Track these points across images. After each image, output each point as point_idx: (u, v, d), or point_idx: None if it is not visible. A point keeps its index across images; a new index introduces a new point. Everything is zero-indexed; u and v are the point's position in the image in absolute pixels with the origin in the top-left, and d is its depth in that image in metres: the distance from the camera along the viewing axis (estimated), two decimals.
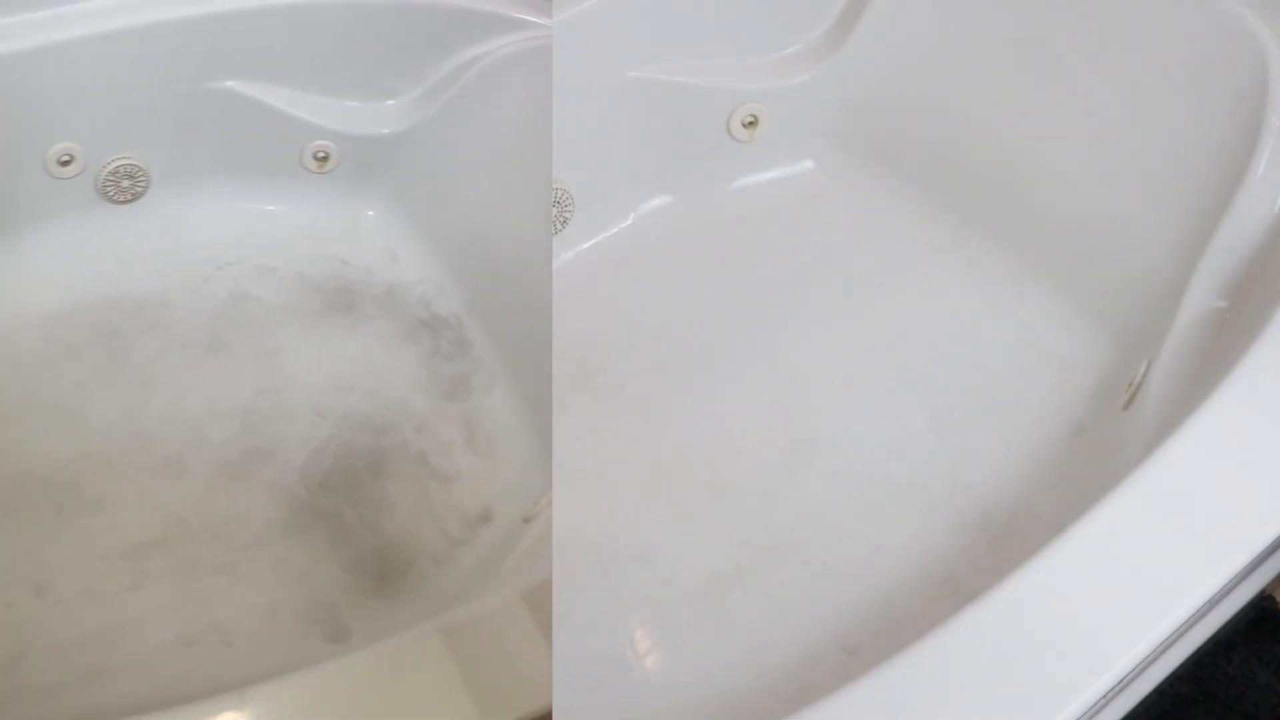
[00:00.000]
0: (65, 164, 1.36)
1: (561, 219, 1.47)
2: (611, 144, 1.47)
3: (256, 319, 1.40)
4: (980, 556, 1.16)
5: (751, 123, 1.51)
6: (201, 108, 1.39)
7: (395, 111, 1.44)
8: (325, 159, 1.45)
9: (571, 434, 1.32)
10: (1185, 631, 0.78)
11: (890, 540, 1.19)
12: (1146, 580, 0.77)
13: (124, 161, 1.40)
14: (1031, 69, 1.37)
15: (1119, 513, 0.80)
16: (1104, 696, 0.73)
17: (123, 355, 1.34)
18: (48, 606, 1.12)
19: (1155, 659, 0.79)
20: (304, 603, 1.16)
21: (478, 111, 1.37)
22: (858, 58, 1.48)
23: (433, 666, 0.79)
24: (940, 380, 1.33)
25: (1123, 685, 0.75)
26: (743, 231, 1.52)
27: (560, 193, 1.45)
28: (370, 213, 1.49)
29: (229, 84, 1.37)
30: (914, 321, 1.39)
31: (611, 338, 1.41)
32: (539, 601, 0.84)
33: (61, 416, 1.27)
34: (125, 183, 1.42)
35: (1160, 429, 0.99)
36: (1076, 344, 1.33)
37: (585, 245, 1.50)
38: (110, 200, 1.42)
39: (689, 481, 1.26)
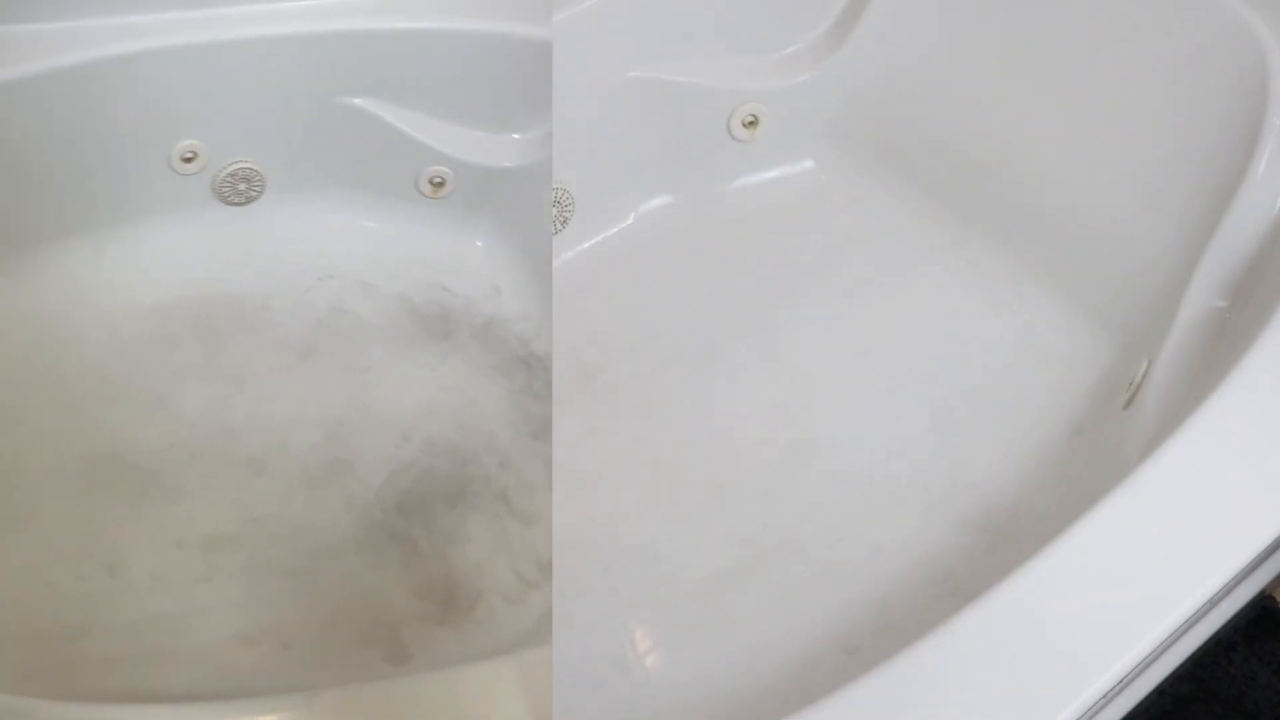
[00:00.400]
0: (188, 161, 1.38)
1: (561, 219, 1.47)
2: (611, 144, 1.47)
3: (352, 333, 1.40)
4: (980, 556, 1.17)
5: (752, 122, 1.51)
6: (327, 121, 1.40)
7: (518, 146, 1.45)
8: (441, 185, 1.45)
9: (571, 434, 1.32)
10: (1185, 631, 0.78)
11: (890, 540, 1.19)
12: (1146, 580, 0.77)
13: (243, 165, 1.42)
14: (1032, 69, 1.37)
15: (1119, 513, 0.80)
16: (1104, 696, 0.73)
17: (218, 351, 1.36)
18: (118, 586, 1.14)
19: (1155, 659, 0.79)
20: (367, 620, 1.16)
21: None
22: (858, 57, 1.48)
23: (504, 702, 0.78)
24: (940, 380, 1.33)
25: (1123, 685, 0.75)
26: (743, 231, 1.52)
27: (560, 193, 1.45)
28: (479, 243, 1.49)
29: (357, 101, 1.39)
30: (914, 321, 1.39)
31: (611, 338, 1.41)
32: None
33: (154, 404, 1.30)
34: (241, 185, 1.43)
35: (1160, 429, 0.99)
36: (1076, 344, 1.33)
37: (585, 245, 1.50)
38: (225, 201, 1.44)
39: (689, 481, 1.26)
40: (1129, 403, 1.18)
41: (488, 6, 1.37)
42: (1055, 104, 1.36)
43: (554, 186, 1.44)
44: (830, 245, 1.50)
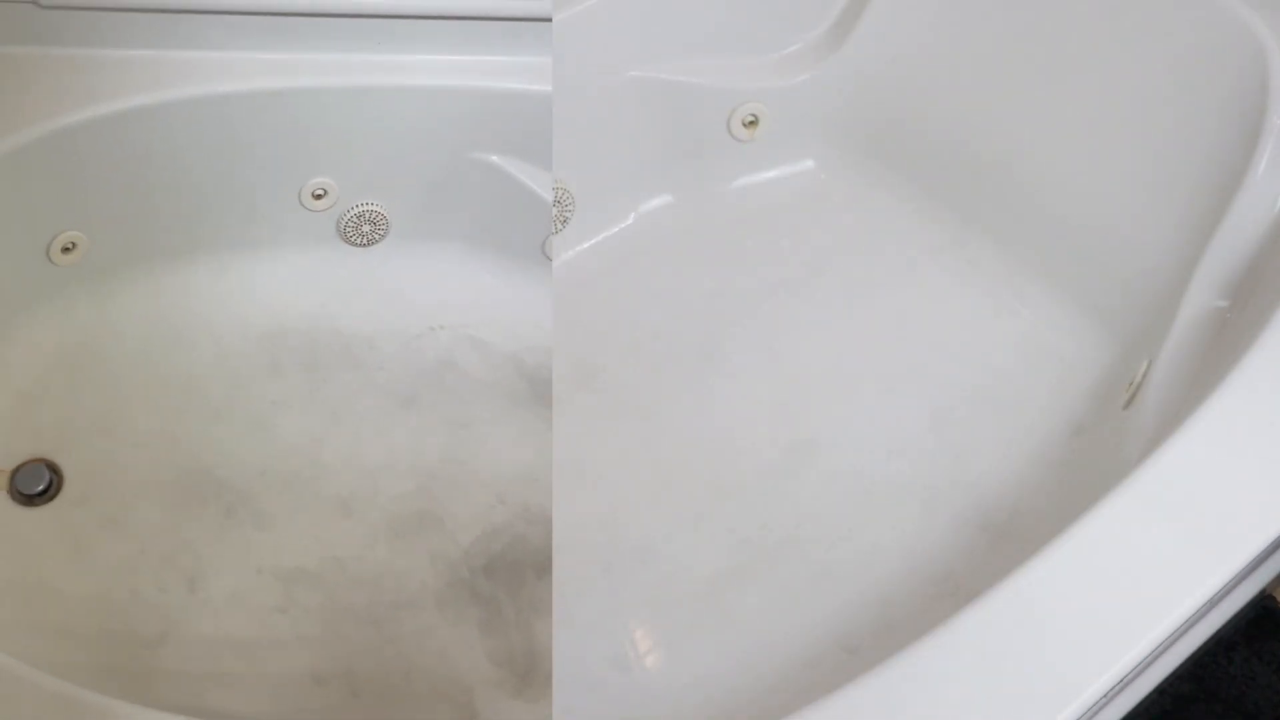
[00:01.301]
0: (318, 197, 1.41)
1: (561, 219, 1.47)
2: (611, 144, 1.47)
3: (457, 387, 1.40)
4: (980, 556, 1.17)
5: (752, 122, 1.51)
6: (458, 174, 1.42)
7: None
8: None
9: (572, 433, 1.32)
10: (1186, 631, 0.78)
11: (890, 540, 1.19)
12: (1146, 580, 0.77)
13: (370, 208, 1.44)
14: (1032, 69, 1.37)
15: (1119, 513, 0.80)
16: (1104, 696, 0.73)
17: (321, 385, 1.36)
18: (197, 601, 1.15)
19: (1155, 658, 0.79)
20: (441, 679, 1.15)
21: None
22: (858, 57, 1.48)
23: None
24: (940, 380, 1.33)
25: (1123, 685, 0.75)
26: (743, 231, 1.52)
27: (560, 193, 1.45)
28: None
29: (492, 158, 1.41)
30: (914, 321, 1.39)
31: (611, 337, 1.41)
32: None
33: (252, 427, 1.31)
34: (366, 227, 1.46)
35: (1160, 429, 0.99)
36: (1077, 343, 1.33)
37: (585, 245, 1.50)
38: (347, 240, 1.47)
39: (689, 481, 1.26)
40: (1129, 403, 1.18)
41: None
42: (1055, 103, 1.36)
43: (554, 186, 1.44)
44: (830, 245, 1.50)
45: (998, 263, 1.42)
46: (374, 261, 1.48)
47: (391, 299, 1.47)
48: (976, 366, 1.33)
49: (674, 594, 1.17)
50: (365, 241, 1.47)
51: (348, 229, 1.45)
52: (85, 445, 1.25)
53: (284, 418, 1.32)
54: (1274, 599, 1.21)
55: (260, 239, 1.43)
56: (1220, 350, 1.03)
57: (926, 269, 1.44)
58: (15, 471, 1.21)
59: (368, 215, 1.45)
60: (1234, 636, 1.22)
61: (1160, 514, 0.80)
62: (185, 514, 1.22)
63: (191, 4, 1.26)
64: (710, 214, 1.54)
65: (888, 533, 1.20)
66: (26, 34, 1.24)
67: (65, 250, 1.30)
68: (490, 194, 1.44)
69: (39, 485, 1.20)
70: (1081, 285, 1.35)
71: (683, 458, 1.29)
